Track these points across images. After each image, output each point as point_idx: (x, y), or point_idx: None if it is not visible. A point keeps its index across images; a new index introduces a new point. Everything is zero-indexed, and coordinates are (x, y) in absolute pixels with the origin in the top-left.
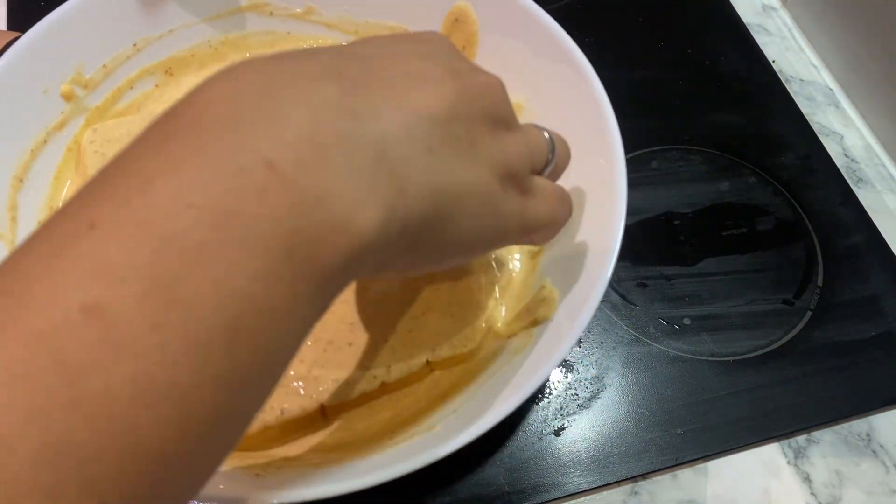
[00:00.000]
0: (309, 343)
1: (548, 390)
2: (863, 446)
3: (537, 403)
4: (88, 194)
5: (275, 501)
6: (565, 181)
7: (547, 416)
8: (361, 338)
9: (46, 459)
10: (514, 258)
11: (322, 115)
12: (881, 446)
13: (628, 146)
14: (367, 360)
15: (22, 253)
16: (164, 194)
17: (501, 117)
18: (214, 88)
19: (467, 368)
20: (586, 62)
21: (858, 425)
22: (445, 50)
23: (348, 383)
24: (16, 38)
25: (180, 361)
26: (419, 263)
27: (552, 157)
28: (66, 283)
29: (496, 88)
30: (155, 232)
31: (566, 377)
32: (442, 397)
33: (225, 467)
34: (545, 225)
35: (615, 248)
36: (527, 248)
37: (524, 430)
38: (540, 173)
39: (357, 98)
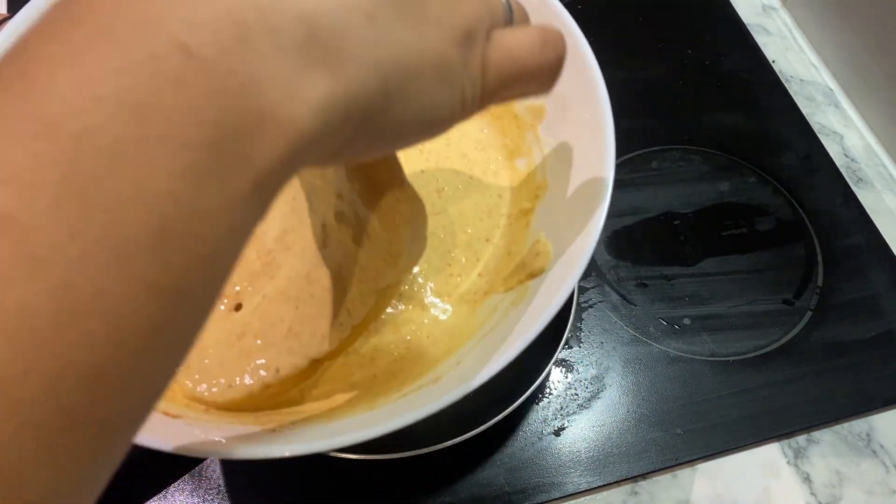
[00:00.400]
0: (283, 304)
1: (548, 390)
2: (863, 446)
3: (537, 403)
4: None
5: (287, 454)
6: (556, 137)
7: (547, 416)
8: (319, 287)
9: None
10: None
11: None
12: (881, 446)
13: (628, 146)
14: (329, 308)
15: None
16: (70, 86)
17: None
18: None
19: (465, 324)
20: (571, 20)
21: (858, 425)
22: None
23: (324, 334)
24: (6, 20)
25: (105, 271)
26: (372, 148)
27: (511, 17)
28: None
29: None
30: (63, 129)
31: (566, 377)
32: (445, 352)
33: (239, 424)
34: (521, 75)
35: (606, 198)
36: (517, 206)
37: (524, 430)
38: None
39: None
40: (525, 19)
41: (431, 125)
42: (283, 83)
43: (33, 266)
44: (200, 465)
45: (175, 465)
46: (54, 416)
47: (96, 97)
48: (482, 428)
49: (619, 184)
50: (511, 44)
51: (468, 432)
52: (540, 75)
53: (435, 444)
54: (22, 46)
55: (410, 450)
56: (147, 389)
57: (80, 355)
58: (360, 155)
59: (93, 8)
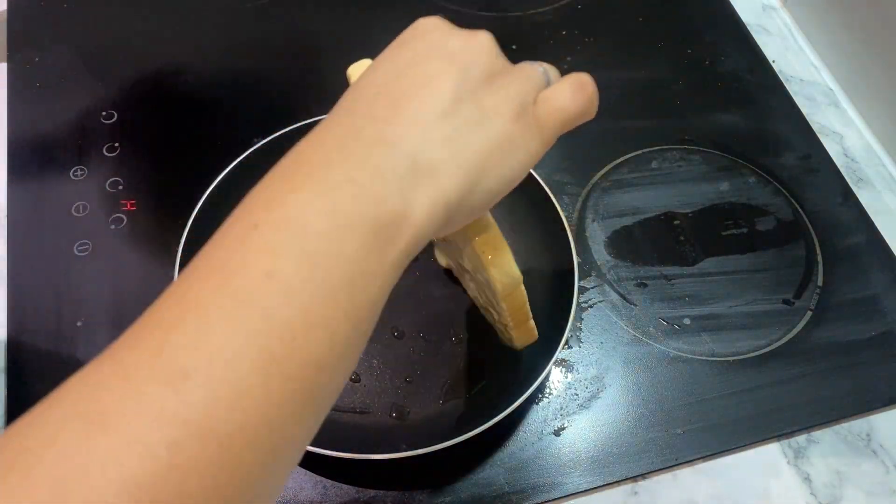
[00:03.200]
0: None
1: (548, 390)
2: (863, 446)
3: (537, 403)
4: (251, 201)
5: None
6: None
7: (547, 416)
8: None
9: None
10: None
11: (372, 150)
12: (881, 446)
13: (628, 146)
14: None
15: (217, 241)
16: (301, 202)
17: (495, 68)
18: (316, 143)
19: None
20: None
21: (858, 425)
22: (436, 36)
23: None
24: None
25: (321, 303)
26: (471, 216)
27: (549, 78)
28: (248, 258)
29: (486, 45)
30: (300, 227)
31: (566, 377)
32: None
33: None
34: (569, 118)
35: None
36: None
37: (524, 430)
38: None
39: (386, 129)
40: (558, 76)
41: (510, 183)
42: (403, 199)
43: (288, 295)
44: None
45: None
46: (300, 391)
47: (315, 210)
48: (481, 428)
49: (619, 184)
50: (555, 99)
51: (468, 432)
52: (583, 112)
53: (434, 444)
54: (270, 177)
55: (411, 449)
56: (343, 376)
57: (312, 353)
58: (465, 222)
59: (303, 163)
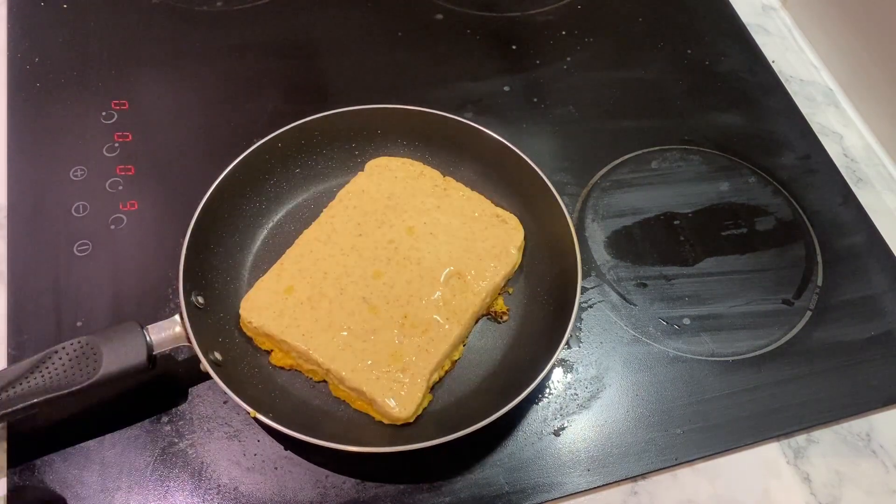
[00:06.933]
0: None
1: (548, 390)
2: (863, 446)
3: (537, 403)
4: None
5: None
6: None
7: (547, 416)
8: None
9: None
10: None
11: None
12: (881, 446)
13: (628, 146)
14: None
15: None
16: None
17: None
18: None
19: None
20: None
21: (858, 425)
22: None
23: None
24: None
25: None
26: None
27: None
28: None
29: None
30: None
31: (566, 377)
32: None
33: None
34: None
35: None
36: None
37: (524, 430)
38: None
39: None
40: None
41: None
42: None
43: None
44: (201, 465)
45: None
46: None
47: None
48: (480, 425)
49: (619, 184)
50: None
51: (468, 427)
52: None
53: (433, 438)
54: None
55: (413, 443)
56: None
57: None
58: None
59: None
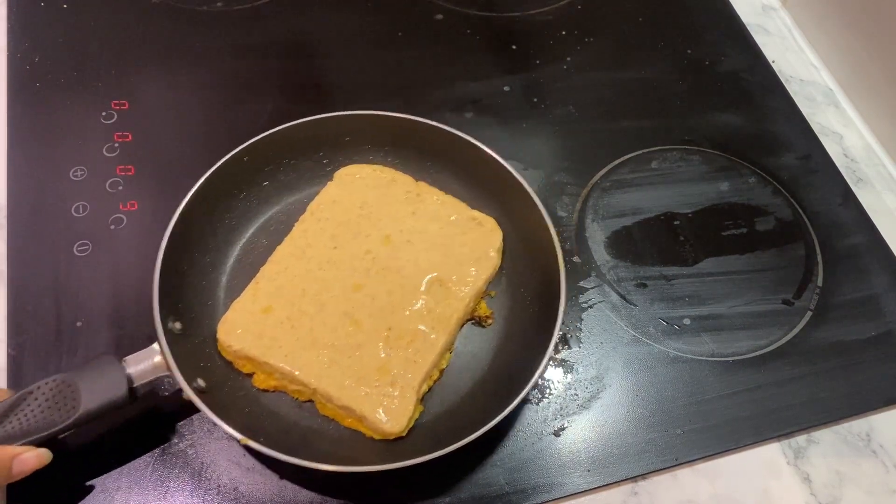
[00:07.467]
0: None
1: (548, 390)
2: (863, 446)
3: (537, 404)
4: None
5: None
6: None
7: (547, 416)
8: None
9: None
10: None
11: None
12: (881, 446)
13: (628, 146)
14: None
15: None
16: None
17: None
18: None
19: None
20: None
21: (858, 425)
22: None
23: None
24: None
25: None
26: None
27: None
28: None
29: None
30: None
31: (566, 377)
32: None
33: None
34: None
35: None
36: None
37: (524, 430)
38: None
39: None
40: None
41: None
42: None
43: None
44: (201, 465)
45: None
46: None
47: None
48: (476, 435)
49: (619, 184)
50: None
51: (463, 438)
52: None
53: (426, 452)
54: None
55: (406, 458)
56: None
57: None
58: None
59: None
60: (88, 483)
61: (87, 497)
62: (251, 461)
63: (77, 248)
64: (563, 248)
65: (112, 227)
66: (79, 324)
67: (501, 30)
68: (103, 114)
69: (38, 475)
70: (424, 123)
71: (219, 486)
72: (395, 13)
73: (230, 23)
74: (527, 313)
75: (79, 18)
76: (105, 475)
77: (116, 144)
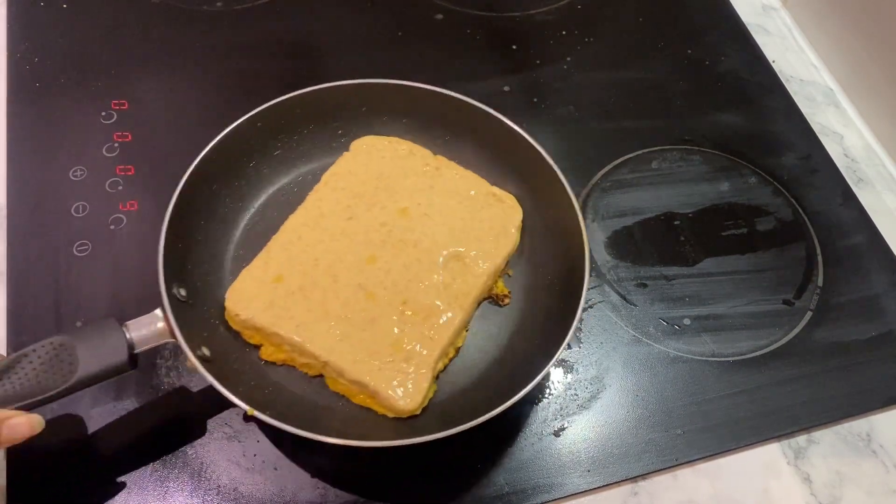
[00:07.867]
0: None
1: (548, 390)
2: (863, 446)
3: (537, 404)
4: None
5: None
6: None
7: (547, 416)
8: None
9: None
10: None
11: None
12: (881, 446)
13: (628, 146)
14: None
15: None
16: None
17: None
18: None
19: None
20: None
21: (858, 425)
22: None
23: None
24: None
25: None
26: None
27: None
28: None
29: None
30: None
31: (566, 377)
32: None
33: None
34: None
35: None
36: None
37: (524, 430)
38: None
39: None
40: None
41: None
42: None
43: None
44: (200, 466)
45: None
46: None
47: None
48: (490, 415)
49: (619, 184)
50: None
51: (475, 419)
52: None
53: (438, 431)
54: None
55: (418, 435)
56: None
57: None
58: None
59: None
60: (88, 483)
61: (87, 497)
62: (251, 461)
63: (77, 247)
64: None
65: (112, 226)
66: (78, 324)
67: (501, 30)
68: (103, 114)
69: (39, 475)
70: (445, 94)
71: (219, 486)
72: (395, 13)
73: (230, 23)
74: (546, 294)
75: (79, 18)
76: (105, 475)
77: (116, 144)
